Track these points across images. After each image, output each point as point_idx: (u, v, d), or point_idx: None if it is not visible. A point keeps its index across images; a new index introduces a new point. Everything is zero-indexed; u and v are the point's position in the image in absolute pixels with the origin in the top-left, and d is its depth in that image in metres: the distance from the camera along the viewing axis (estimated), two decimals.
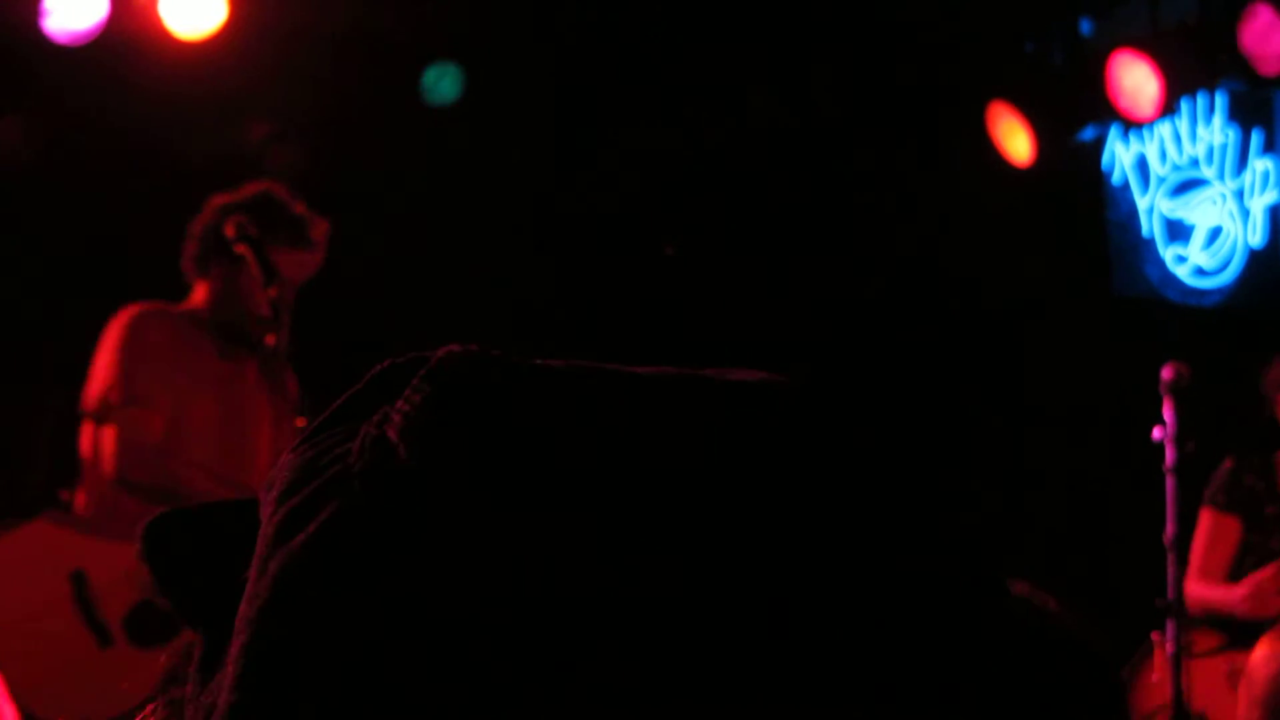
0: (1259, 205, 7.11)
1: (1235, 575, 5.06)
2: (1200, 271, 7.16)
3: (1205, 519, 5.14)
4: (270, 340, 4.10)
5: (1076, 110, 6.69)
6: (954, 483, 0.77)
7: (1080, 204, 7.20)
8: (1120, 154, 7.10)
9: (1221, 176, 7.13)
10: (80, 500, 4.23)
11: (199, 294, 4.27)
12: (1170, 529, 4.81)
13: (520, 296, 6.34)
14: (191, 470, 4.06)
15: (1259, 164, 7.09)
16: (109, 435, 4.09)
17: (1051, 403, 6.65)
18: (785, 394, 0.75)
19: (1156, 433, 4.88)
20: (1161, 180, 7.15)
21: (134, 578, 3.84)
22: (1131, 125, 6.79)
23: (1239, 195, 7.13)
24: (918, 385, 6.34)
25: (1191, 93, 6.89)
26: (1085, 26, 6.68)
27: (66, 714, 3.90)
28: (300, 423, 4.02)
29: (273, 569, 0.70)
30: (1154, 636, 4.81)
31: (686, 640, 0.68)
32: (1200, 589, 5.02)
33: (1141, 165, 7.12)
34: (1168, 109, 6.47)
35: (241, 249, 4.07)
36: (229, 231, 4.11)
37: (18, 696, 3.97)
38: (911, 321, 6.61)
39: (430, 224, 6.25)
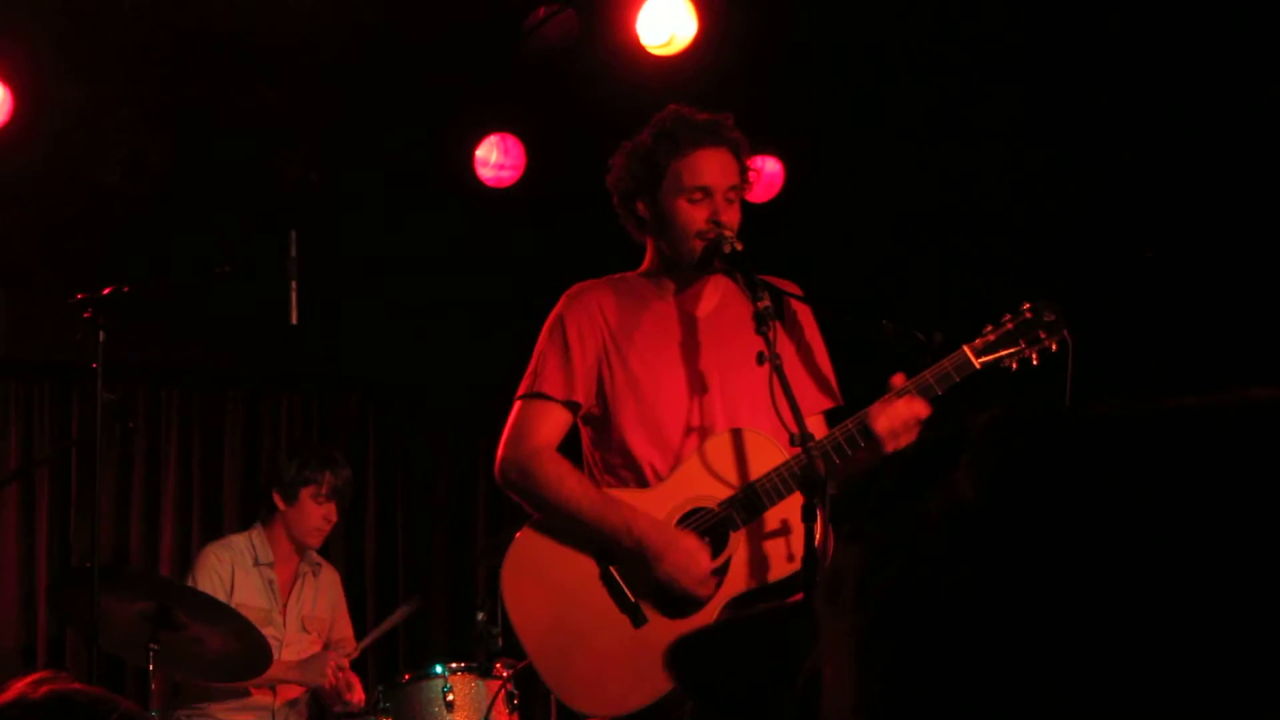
0: None
1: None
2: None
3: None
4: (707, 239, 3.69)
5: None
6: None
7: None
8: None
9: None
10: None
11: (649, 252, 3.91)
12: None
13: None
14: (571, 481, 3.74)
15: None
16: (507, 426, 3.83)
17: None
18: None
19: None
20: None
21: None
22: None
23: None
24: None
25: None
26: None
27: (604, 702, 3.68)
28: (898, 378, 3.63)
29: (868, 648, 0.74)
30: None
31: None
32: None
33: None
34: None
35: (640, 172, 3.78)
36: (630, 171, 3.82)
37: (558, 688, 3.70)
38: None
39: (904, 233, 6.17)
